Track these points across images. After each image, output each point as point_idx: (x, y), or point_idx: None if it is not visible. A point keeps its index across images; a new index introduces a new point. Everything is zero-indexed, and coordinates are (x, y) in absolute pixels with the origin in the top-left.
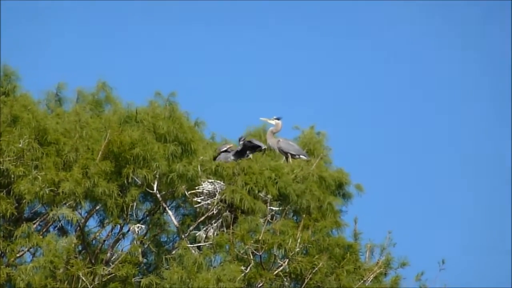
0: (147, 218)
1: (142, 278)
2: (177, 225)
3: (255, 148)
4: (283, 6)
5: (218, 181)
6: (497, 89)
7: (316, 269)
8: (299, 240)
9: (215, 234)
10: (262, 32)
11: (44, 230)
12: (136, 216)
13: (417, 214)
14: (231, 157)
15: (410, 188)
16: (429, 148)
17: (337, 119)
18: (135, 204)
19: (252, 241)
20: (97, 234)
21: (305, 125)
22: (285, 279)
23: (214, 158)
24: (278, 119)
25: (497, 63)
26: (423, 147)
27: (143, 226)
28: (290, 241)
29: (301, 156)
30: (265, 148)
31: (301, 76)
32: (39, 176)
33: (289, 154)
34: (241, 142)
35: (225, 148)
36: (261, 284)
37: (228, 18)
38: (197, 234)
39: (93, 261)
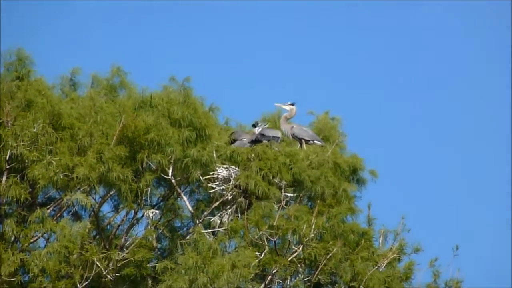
0: (161, 203)
1: (156, 263)
2: (192, 211)
3: (268, 139)
4: None
5: (232, 167)
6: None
7: (330, 255)
8: (313, 226)
9: (230, 219)
10: (276, 17)
11: (58, 216)
12: (150, 202)
13: (431, 199)
14: (246, 144)
15: (424, 173)
16: (444, 133)
17: (351, 104)
18: (149, 189)
19: (266, 227)
20: (112, 219)
21: (320, 110)
22: (299, 265)
23: (231, 143)
24: (292, 104)
25: (497, 63)
26: (438, 132)
27: (157, 211)
28: (304, 227)
29: (315, 141)
30: (280, 138)
31: (315, 61)
32: (53, 161)
33: (303, 140)
34: (256, 133)
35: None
36: (275, 270)
37: (243, 3)
38: (211, 220)
39: (107, 247)
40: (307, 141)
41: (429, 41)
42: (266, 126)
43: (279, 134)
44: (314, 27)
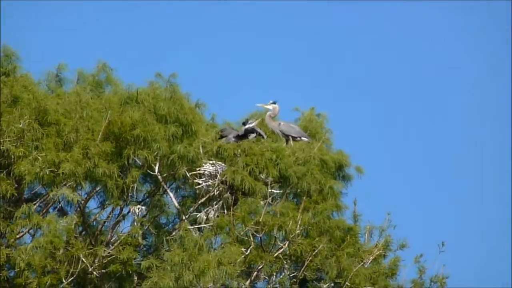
0: (147, 199)
1: (142, 260)
2: (178, 207)
3: (255, 133)
4: None
5: (219, 163)
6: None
7: (316, 251)
8: (299, 222)
9: (216, 215)
10: (260, 15)
11: (44, 211)
12: (136, 198)
13: (417, 195)
14: (232, 138)
15: (410, 169)
16: (430, 129)
17: (336, 100)
18: (135, 185)
19: (252, 223)
20: (97, 215)
21: (305, 107)
22: (285, 262)
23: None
24: (274, 103)
25: (498, 62)
26: (424, 128)
27: (143, 207)
28: (290, 223)
29: (302, 138)
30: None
31: (298, 58)
32: (39, 157)
33: (290, 137)
34: (244, 127)
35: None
36: (261, 266)
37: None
38: (197, 216)
39: (93, 243)
40: (294, 138)
41: (425, 39)
42: (256, 122)
43: (265, 136)
44: (301, 25)
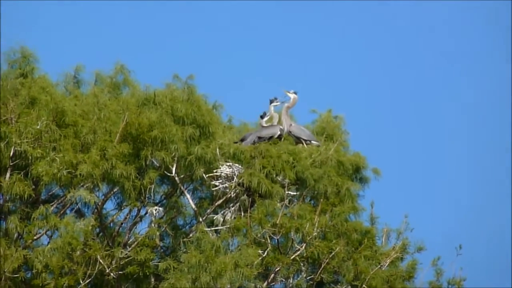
0: (164, 201)
1: (159, 262)
2: (195, 208)
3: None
4: None
5: (236, 165)
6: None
7: (333, 253)
8: (316, 225)
9: (233, 217)
10: (280, 15)
11: (61, 213)
12: (154, 199)
13: (434, 197)
14: (249, 142)
15: (427, 171)
16: (448, 130)
17: (354, 102)
18: (152, 186)
19: (269, 225)
20: (115, 216)
21: (322, 108)
22: (302, 264)
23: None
24: (295, 93)
25: (498, 62)
26: (442, 129)
27: (160, 208)
28: (307, 226)
29: (312, 141)
30: (280, 135)
31: (318, 59)
32: (57, 158)
33: (301, 139)
34: (254, 139)
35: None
36: (278, 269)
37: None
38: (214, 218)
39: (110, 244)
40: (304, 141)
41: (433, 41)
42: (281, 102)
43: (276, 130)
44: (319, 25)
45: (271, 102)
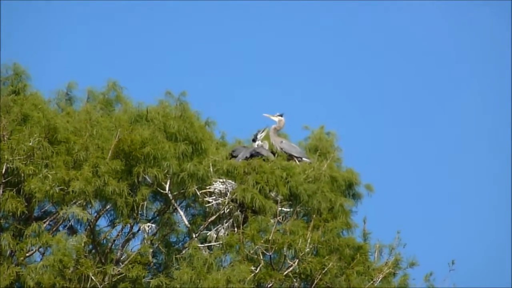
0: (157, 217)
1: (152, 279)
2: (188, 225)
3: (260, 156)
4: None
5: (229, 181)
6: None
7: (326, 269)
8: (309, 241)
9: (226, 234)
10: (273, 28)
11: (54, 229)
12: (146, 216)
13: (426, 213)
14: (240, 159)
15: (419, 188)
16: (439, 148)
17: (345, 118)
18: (145, 203)
19: (262, 241)
20: (107, 233)
21: (314, 124)
22: (295, 280)
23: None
24: (281, 115)
25: (498, 62)
26: (434, 146)
27: (153, 225)
28: (300, 241)
29: (303, 158)
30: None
31: (310, 74)
32: (49, 175)
33: (293, 156)
34: (249, 150)
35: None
36: (270, 285)
37: (239, 15)
38: (207, 234)
39: (103, 261)
40: (296, 158)
41: (429, 53)
42: (265, 132)
43: (268, 154)
44: (311, 40)
45: (254, 141)
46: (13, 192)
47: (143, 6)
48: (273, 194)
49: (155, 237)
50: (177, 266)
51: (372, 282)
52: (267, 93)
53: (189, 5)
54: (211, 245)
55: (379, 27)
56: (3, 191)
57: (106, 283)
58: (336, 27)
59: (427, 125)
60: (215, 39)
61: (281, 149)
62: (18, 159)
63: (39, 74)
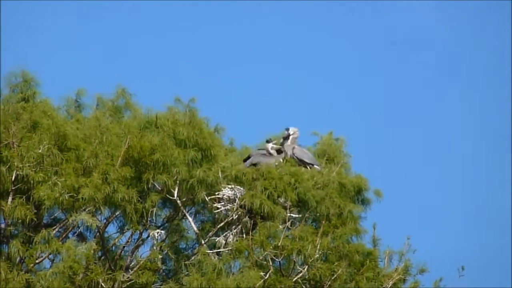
0: (166, 224)
1: (161, 285)
2: (197, 231)
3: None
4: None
5: (238, 187)
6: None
7: (336, 275)
8: (318, 247)
9: (235, 240)
10: (273, 29)
11: (63, 236)
12: (155, 222)
13: (436, 219)
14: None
15: (429, 193)
16: (449, 153)
17: (355, 123)
18: (154, 210)
19: (271, 247)
20: (117, 240)
21: (323, 130)
22: (304, 286)
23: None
24: (287, 130)
25: (498, 62)
26: (443, 152)
27: (162, 232)
28: (309, 248)
29: (314, 165)
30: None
31: (318, 81)
32: (58, 182)
33: (304, 162)
34: (269, 149)
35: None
36: None
37: (246, 20)
38: (216, 240)
39: (112, 267)
40: (307, 164)
41: (429, 53)
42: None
43: (278, 159)
44: (318, 44)
45: (268, 142)
46: (23, 200)
47: (143, 6)
48: (281, 200)
49: (164, 244)
50: (187, 272)
51: None
52: (268, 95)
53: (193, 4)
54: (220, 251)
55: (379, 27)
56: (12, 198)
57: None
58: (336, 27)
59: (429, 128)
60: (215, 40)
61: (293, 154)
62: (28, 166)
63: (46, 78)
